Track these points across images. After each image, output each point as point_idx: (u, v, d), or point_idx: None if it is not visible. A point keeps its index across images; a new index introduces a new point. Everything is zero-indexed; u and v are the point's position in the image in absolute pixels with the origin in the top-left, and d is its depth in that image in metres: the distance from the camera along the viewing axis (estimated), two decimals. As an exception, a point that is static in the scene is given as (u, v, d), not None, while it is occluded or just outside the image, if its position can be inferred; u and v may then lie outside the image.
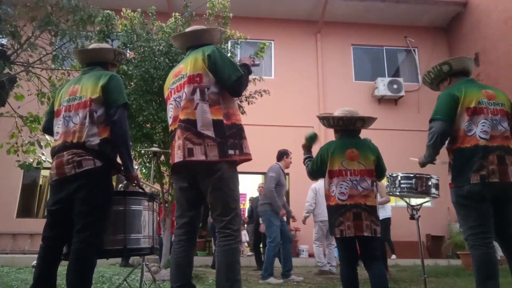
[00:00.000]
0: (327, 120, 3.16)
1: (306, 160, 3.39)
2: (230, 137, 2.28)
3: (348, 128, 3.12)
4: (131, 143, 2.56)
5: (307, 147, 3.48)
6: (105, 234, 2.48)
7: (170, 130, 2.47)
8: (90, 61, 2.75)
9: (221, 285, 2.14)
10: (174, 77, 2.50)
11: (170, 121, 2.47)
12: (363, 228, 2.85)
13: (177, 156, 2.24)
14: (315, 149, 3.40)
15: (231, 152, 2.25)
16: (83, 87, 2.54)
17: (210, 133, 2.23)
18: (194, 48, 2.54)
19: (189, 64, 2.40)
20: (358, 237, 2.90)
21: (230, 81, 2.32)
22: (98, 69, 2.67)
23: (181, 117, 2.29)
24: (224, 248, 2.18)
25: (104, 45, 2.85)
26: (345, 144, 3.09)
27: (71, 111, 2.50)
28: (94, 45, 2.83)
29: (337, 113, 3.16)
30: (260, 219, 5.49)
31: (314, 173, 3.23)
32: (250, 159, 2.35)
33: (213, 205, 2.27)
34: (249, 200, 9.41)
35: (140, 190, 2.94)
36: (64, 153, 2.39)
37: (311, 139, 3.45)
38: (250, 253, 9.35)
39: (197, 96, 2.30)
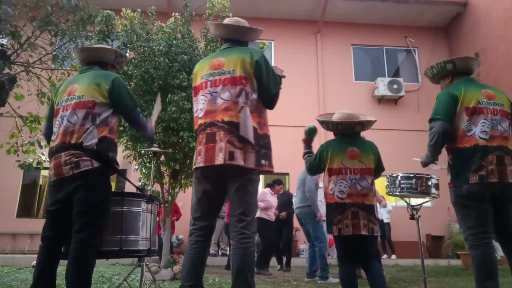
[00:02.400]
0: (326, 124, 3.17)
1: (306, 155, 3.38)
2: (263, 147, 2.30)
3: (347, 132, 3.14)
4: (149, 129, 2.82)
5: (307, 141, 3.46)
6: (104, 234, 2.48)
7: (199, 123, 2.37)
8: (91, 60, 2.73)
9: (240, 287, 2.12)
10: (213, 68, 2.39)
11: (200, 113, 2.37)
12: (360, 227, 2.86)
13: (218, 159, 2.19)
14: (315, 145, 3.39)
15: (263, 162, 2.28)
16: (82, 87, 2.52)
17: (251, 139, 2.23)
18: (235, 43, 2.50)
19: (235, 63, 2.34)
20: (356, 236, 2.90)
21: (269, 93, 2.35)
22: (96, 69, 2.65)
23: (225, 118, 2.25)
24: (245, 251, 2.15)
25: (106, 46, 2.85)
26: (345, 142, 3.10)
27: (68, 110, 2.48)
28: (96, 45, 2.85)
29: (336, 116, 3.15)
30: (302, 220, 5.50)
31: (312, 169, 3.25)
32: (272, 172, 2.38)
33: (237, 203, 2.24)
34: None
35: (139, 192, 2.94)
36: (62, 154, 2.39)
37: (311, 132, 3.44)
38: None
39: (242, 99, 2.27)
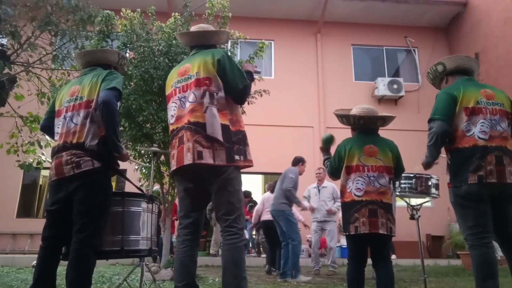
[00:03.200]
0: (346, 118, 3.09)
1: (326, 161, 3.31)
2: (236, 143, 2.32)
3: (368, 127, 3.07)
4: (119, 128, 2.51)
5: (325, 149, 3.41)
6: (104, 234, 2.49)
7: (171, 129, 2.45)
8: (95, 63, 2.75)
9: (228, 282, 2.16)
10: (180, 75, 2.48)
11: (172, 120, 2.45)
12: (378, 225, 2.78)
13: (186, 158, 2.25)
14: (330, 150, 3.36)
15: (237, 157, 2.31)
16: (84, 87, 2.53)
17: (219, 137, 2.26)
18: (201, 48, 2.56)
19: (198, 66, 2.40)
20: (373, 235, 2.82)
21: (236, 89, 2.37)
22: (99, 69, 2.67)
23: (191, 119, 2.30)
24: (230, 246, 2.21)
25: (109, 48, 2.86)
26: (363, 140, 3.02)
27: (72, 111, 2.50)
28: (100, 48, 2.84)
29: (355, 111, 3.07)
30: (276, 217, 5.52)
31: (334, 171, 3.14)
32: (251, 166, 2.40)
33: (218, 205, 2.31)
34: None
35: (139, 192, 2.95)
36: (63, 153, 2.40)
37: (328, 141, 3.39)
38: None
39: (206, 99, 2.31)
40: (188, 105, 2.35)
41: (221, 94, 2.35)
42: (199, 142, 2.24)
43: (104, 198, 2.42)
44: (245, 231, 8.88)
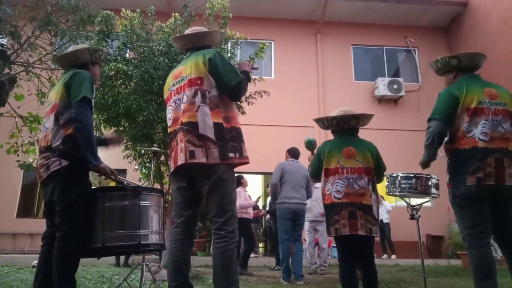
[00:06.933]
0: (322, 122, 3.18)
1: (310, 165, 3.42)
2: (230, 140, 2.31)
3: (343, 127, 3.12)
4: (94, 136, 2.47)
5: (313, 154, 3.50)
6: (81, 232, 2.40)
7: (169, 131, 2.48)
8: (70, 65, 2.71)
9: (218, 286, 2.15)
10: (174, 78, 2.51)
11: (169, 122, 2.49)
12: (358, 227, 2.83)
13: (180, 159, 2.26)
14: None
15: (231, 155, 2.29)
16: (54, 91, 2.62)
17: (211, 135, 2.25)
18: (195, 50, 2.57)
19: (190, 67, 2.42)
20: (354, 236, 2.87)
21: (230, 86, 2.36)
22: (71, 70, 2.61)
23: (183, 120, 2.31)
24: (219, 250, 2.18)
25: (80, 46, 2.80)
26: (342, 142, 3.07)
27: (47, 116, 2.60)
28: (70, 49, 2.77)
29: (334, 113, 3.18)
30: (300, 216, 5.54)
31: (315, 174, 3.21)
32: (248, 163, 2.38)
33: (209, 206, 2.28)
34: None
35: (119, 185, 2.84)
36: (39, 158, 2.52)
37: (309, 143, 3.55)
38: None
39: (198, 98, 2.32)
40: (182, 107, 2.37)
41: (214, 92, 2.35)
42: (191, 141, 2.24)
43: (76, 195, 2.40)
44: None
